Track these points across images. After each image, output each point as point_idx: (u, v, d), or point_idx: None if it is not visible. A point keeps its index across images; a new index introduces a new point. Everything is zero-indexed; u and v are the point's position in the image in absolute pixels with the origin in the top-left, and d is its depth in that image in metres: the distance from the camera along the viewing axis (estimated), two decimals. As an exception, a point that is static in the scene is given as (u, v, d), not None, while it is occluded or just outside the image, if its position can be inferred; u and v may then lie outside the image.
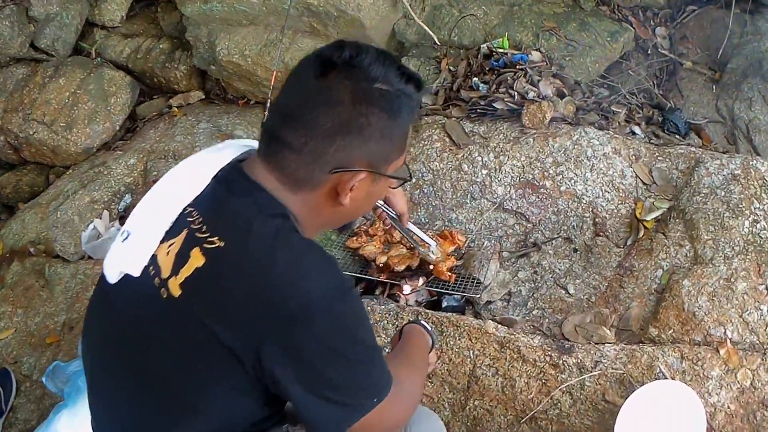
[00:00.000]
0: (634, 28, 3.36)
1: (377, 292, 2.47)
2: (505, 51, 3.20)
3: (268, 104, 2.98)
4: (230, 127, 3.59)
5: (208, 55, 3.72)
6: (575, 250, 2.53)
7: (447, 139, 2.92)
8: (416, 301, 2.43)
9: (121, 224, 2.12)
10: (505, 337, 2.12)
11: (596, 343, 2.12)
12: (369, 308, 2.25)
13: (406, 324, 1.55)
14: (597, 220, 2.57)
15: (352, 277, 2.48)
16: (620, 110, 3.06)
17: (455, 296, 2.37)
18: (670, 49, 3.42)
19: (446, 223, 2.71)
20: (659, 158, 2.69)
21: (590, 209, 2.60)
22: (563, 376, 2.00)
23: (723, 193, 2.42)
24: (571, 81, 3.09)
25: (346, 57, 1.08)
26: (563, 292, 2.40)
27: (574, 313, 2.30)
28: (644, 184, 2.63)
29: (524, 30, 3.32)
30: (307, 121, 1.08)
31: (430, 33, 3.39)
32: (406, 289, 2.40)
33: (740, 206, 2.36)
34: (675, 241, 2.39)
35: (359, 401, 1.08)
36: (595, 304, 2.32)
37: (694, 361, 1.96)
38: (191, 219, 1.11)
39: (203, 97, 3.97)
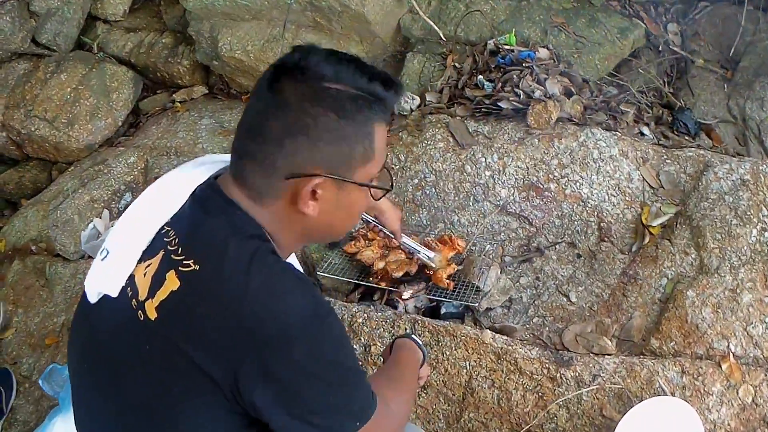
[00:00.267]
0: (645, 24, 3.28)
1: (375, 297, 2.44)
2: (512, 47, 3.14)
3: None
4: (233, 123, 3.55)
5: (211, 51, 3.68)
6: (579, 256, 2.48)
7: (450, 139, 2.87)
8: (415, 306, 2.39)
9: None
10: (502, 347, 2.07)
11: (596, 354, 2.08)
12: (366, 315, 2.22)
13: (396, 338, 1.53)
14: (602, 224, 2.52)
15: (350, 282, 2.45)
16: (629, 109, 2.99)
17: (454, 302, 2.33)
18: (682, 46, 3.34)
19: (448, 226, 2.67)
20: (667, 161, 2.62)
21: (595, 213, 2.55)
22: (560, 390, 1.96)
23: (731, 199, 2.36)
24: (579, 79, 3.02)
25: (296, 59, 1.06)
26: (565, 299, 2.35)
27: (575, 321, 2.26)
28: (651, 187, 2.57)
29: (532, 26, 3.25)
30: (262, 129, 1.06)
31: (436, 28, 3.33)
32: (405, 294, 2.37)
33: (748, 213, 2.29)
34: (681, 248, 2.33)
35: (341, 425, 1.06)
36: (597, 313, 2.27)
37: (695, 376, 1.92)
38: (168, 239, 1.09)
39: (207, 92, 3.93)
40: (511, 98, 2.87)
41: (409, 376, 1.42)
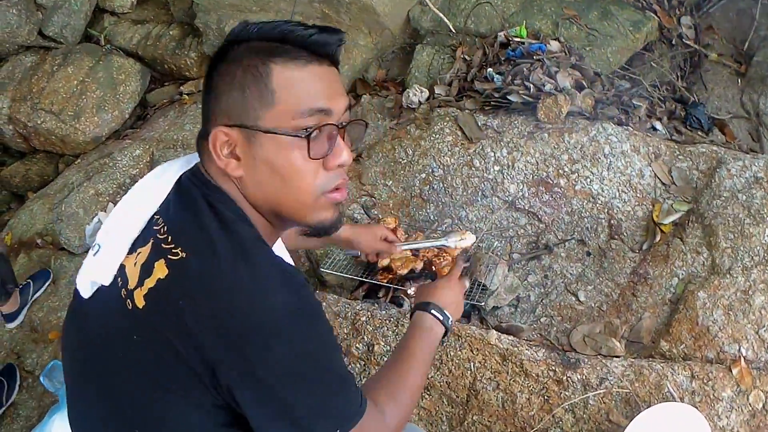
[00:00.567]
0: (658, 17, 3.21)
1: (380, 294, 2.40)
2: (523, 40, 3.09)
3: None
4: (240, 116, 3.52)
5: (218, 42, 3.64)
6: (588, 254, 2.43)
7: (459, 133, 2.82)
8: (420, 304, 2.35)
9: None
10: (507, 349, 2.03)
11: (604, 356, 2.03)
12: (369, 313, 2.18)
13: (415, 309, 1.43)
14: (612, 222, 2.47)
15: (354, 279, 2.41)
16: (641, 104, 2.93)
17: (461, 301, 2.29)
18: (695, 40, 3.26)
19: (455, 222, 2.62)
20: (679, 157, 2.56)
21: (605, 210, 2.50)
22: (566, 393, 1.91)
23: (744, 198, 2.30)
24: (591, 72, 2.96)
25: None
26: (573, 299, 2.31)
27: (583, 322, 2.21)
28: (663, 184, 2.51)
29: (543, 18, 3.20)
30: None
31: (446, 20, 3.28)
32: (410, 291, 2.33)
33: (761, 212, 2.23)
34: (692, 247, 2.28)
35: (320, 428, 1.03)
36: (606, 314, 2.22)
37: (705, 381, 1.87)
38: (157, 227, 1.08)
39: (214, 84, 3.90)
40: (521, 91, 2.82)
41: (416, 370, 1.32)
